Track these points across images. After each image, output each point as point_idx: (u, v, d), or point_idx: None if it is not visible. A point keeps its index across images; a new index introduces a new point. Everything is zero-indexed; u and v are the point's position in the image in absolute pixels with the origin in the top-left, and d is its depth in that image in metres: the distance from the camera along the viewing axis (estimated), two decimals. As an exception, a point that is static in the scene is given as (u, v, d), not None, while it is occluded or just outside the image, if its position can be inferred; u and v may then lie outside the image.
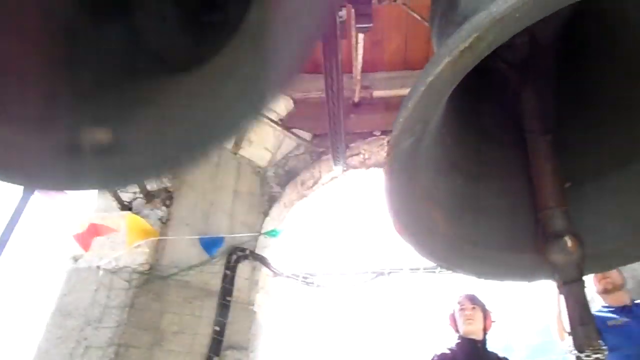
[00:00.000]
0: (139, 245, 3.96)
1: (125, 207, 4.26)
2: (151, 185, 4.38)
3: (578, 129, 1.42)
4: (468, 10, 1.09)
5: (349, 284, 4.49)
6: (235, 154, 5.27)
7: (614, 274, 2.86)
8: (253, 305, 4.69)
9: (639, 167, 1.26)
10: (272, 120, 5.13)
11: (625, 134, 1.32)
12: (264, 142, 5.43)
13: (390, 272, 4.28)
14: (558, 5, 0.76)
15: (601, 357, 1.01)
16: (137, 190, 4.29)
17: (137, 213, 4.20)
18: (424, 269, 4.21)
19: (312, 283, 4.18)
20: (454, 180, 1.25)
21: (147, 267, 4.02)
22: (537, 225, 1.21)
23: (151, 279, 3.96)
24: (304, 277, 4.16)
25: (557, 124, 1.36)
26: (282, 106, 5.49)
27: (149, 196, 4.30)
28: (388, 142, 0.90)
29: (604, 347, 1.00)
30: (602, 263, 1.36)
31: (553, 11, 0.77)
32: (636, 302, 2.84)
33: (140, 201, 4.31)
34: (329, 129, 1.60)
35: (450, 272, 1.31)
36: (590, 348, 1.01)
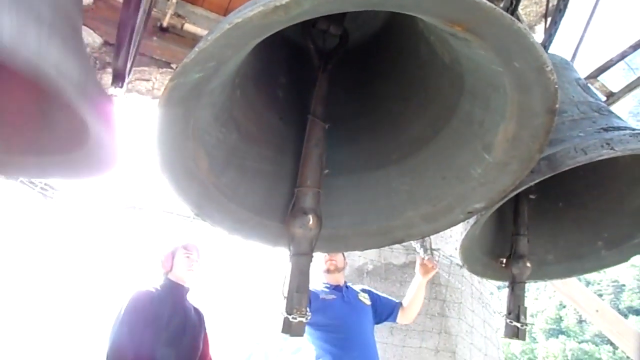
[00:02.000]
0: None
1: None
2: None
3: (353, 128, 1.58)
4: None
5: (95, 210, 4.14)
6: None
7: (338, 258, 3.26)
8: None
9: (379, 174, 1.47)
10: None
11: (378, 146, 1.52)
12: (42, 26, 4.59)
13: (142, 209, 4.09)
14: (375, 6, 0.82)
15: (304, 321, 1.16)
16: None
17: None
18: (178, 214, 4.14)
19: (52, 197, 3.68)
20: (229, 133, 1.25)
21: None
22: (291, 200, 1.30)
23: None
24: (42, 188, 3.61)
25: (339, 118, 1.49)
26: (77, -5, 4.72)
27: None
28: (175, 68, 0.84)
29: (308, 313, 1.16)
30: (332, 245, 1.54)
31: (366, 8, 0.83)
32: (347, 284, 3.32)
33: None
34: (116, 40, 1.40)
35: (201, 221, 1.31)
36: (298, 312, 1.14)
